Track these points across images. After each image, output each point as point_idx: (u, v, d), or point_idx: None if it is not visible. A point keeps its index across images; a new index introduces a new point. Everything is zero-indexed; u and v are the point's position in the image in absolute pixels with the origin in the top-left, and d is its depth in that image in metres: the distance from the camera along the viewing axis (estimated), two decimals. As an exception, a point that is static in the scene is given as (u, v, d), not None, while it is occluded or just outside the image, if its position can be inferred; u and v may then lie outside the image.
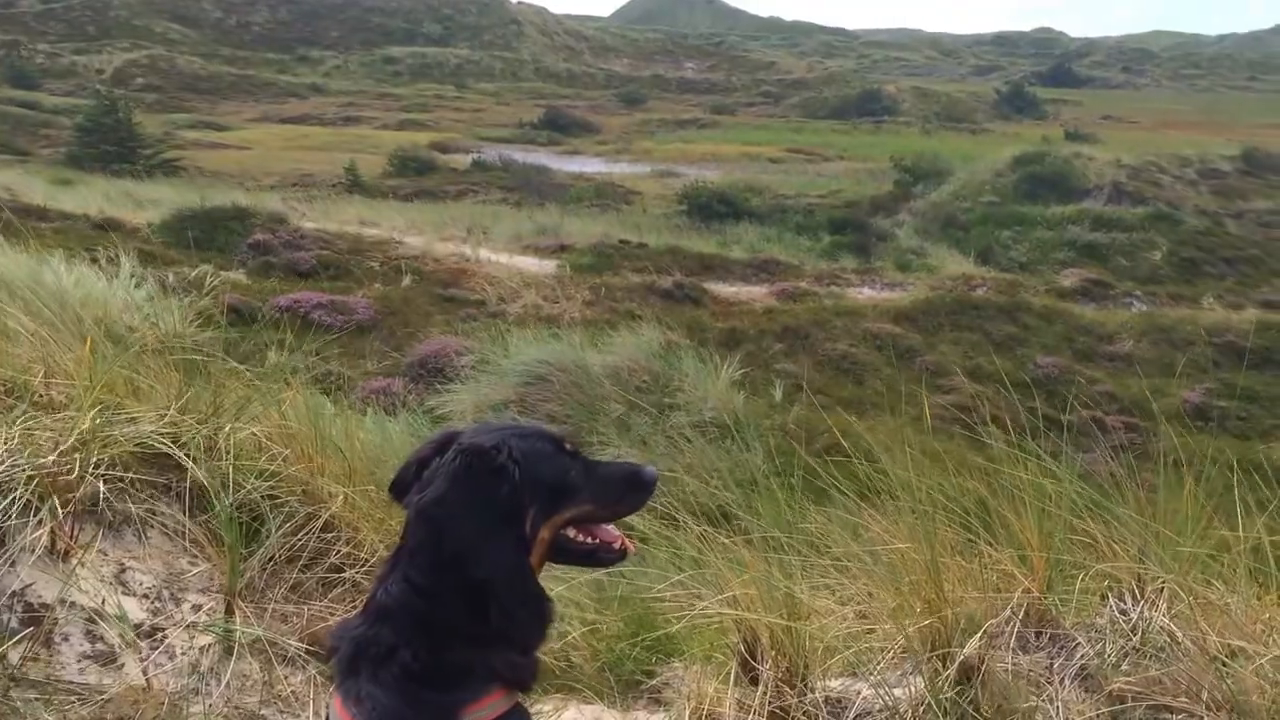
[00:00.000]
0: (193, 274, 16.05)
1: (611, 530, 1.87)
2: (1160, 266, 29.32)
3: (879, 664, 2.72)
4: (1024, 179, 37.12)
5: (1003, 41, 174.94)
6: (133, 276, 13.85)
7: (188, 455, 3.17)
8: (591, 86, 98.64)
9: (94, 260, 13.15)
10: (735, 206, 34.62)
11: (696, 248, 24.69)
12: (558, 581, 4.03)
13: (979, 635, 2.53)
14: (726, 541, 3.18)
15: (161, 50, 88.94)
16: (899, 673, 2.69)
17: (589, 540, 1.84)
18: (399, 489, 1.75)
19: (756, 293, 20.55)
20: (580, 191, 39.74)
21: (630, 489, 1.85)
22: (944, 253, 29.70)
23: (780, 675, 2.73)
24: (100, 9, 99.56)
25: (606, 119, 76.34)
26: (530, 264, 20.46)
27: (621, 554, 1.87)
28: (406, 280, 18.06)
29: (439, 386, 12.86)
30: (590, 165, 51.29)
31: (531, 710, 3.43)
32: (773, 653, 2.75)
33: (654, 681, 3.54)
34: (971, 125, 75.36)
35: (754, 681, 2.76)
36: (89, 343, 3.21)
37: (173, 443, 3.19)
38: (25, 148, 48.00)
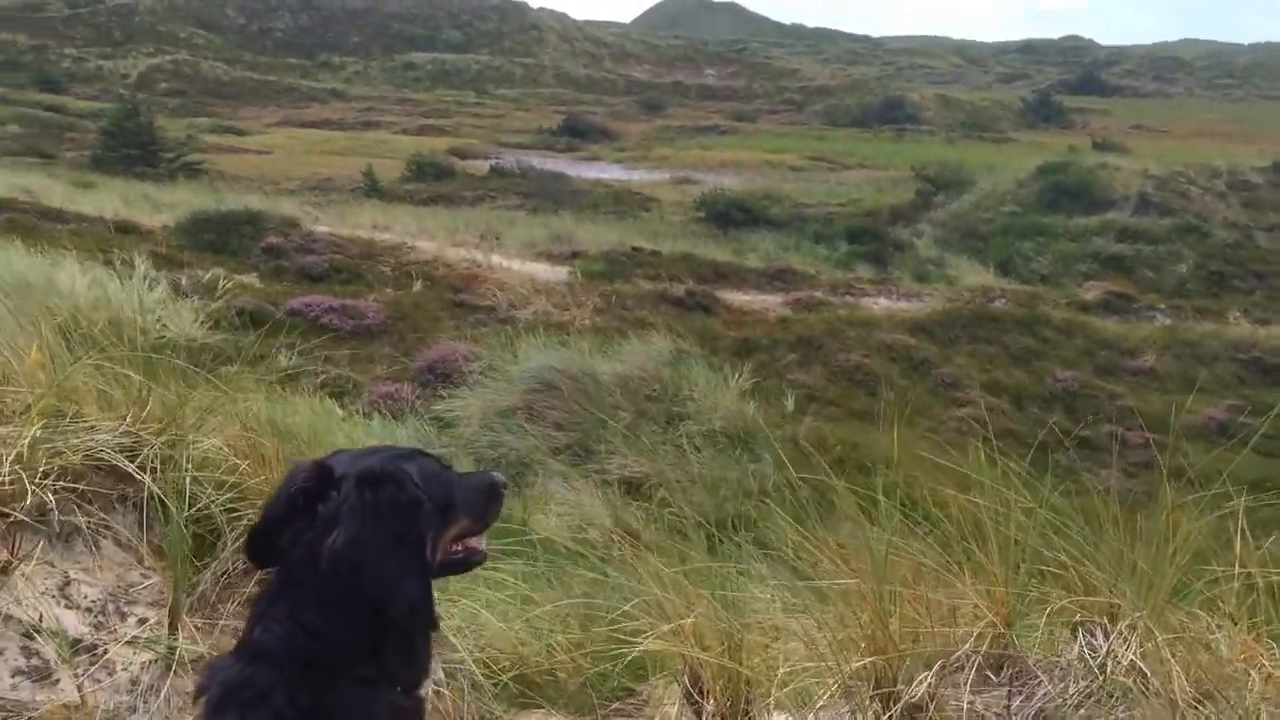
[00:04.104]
0: (206, 277, 16.11)
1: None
2: (1186, 280, 29.00)
3: (819, 703, 2.60)
4: (1047, 189, 36.68)
5: (1030, 49, 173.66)
6: (146, 279, 13.91)
7: (143, 466, 3.09)
8: (612, 93, 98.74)
9: (108, 262, 13.20)
10: (753, 214, 34.52)
11: (711, 255, 24.60)
12: (546, 596, 3.96)
13: (929, 673, 2.41)
14: (669, 573, 3.07)
15: (185, 55, 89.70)
16: (844, 709, 2.57)
17: (460, 549, 1.84)
18: (263, 541, 1.64)
19: (770, 302, 20.42)
20: (597, 198, 39.75)
21: (491, 499, 1.89)
22: (963, 264, 29.46)
23: (722, 709, 2.63)
24: (126, 14, 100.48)
25: (626, 125, 76.43)
26: (542, 270, 20.41)
27: (483, 554, 1.90)
28: (417, 285, 18.03)
29: (447, 392, 12.83)
30: (609, 172, 51.34)
31: (513, 726, 3.36)
32: (716, 686, 2.65)
33: (634, 700, 3.47)
34: (996, 134, 74.89)
35: (698, 714, 2.67)
36: (34, 350, 3.14)
37: (131, 452, 3.12)
38: (50, 150, 48.47)
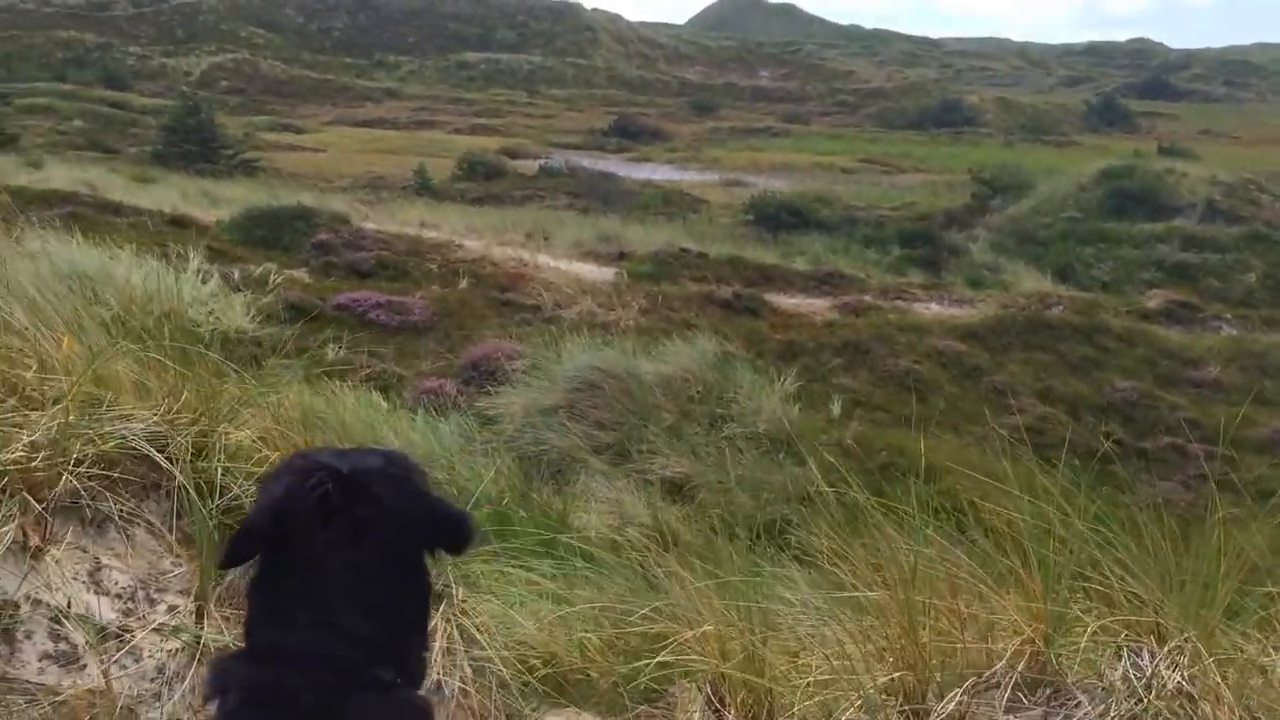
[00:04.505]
0: (257, 271, 16.34)
1: None
2: (1254, 289, 28.28)
3: (843, 717, 2.53)
4: (1110, 194, 35.97)
5: (1095, 52, 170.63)
6: (199, 272, 14.13)
7: (175, 455, 3.11)
8: (664, 94, 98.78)
9: (164, 256, 13.42)
10: (803, 217, 34.29)
11: (758, 258, 24.47)
12: (579, 596, 3.94)
13: (961, 690, 2.34)
14: (691, 581, 3.02)
15: (246, 54, 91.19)
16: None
17: None
18: (252, 540, 1.59)
19: (818, 305, 20.26)
20: (647, 199, 39.76)
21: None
22: (1020, 269, 28.99)
23: (745, 717, 2.58)
24: (189, 13, 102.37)
25: (677, 127, 76.40)
26: (589, 270, 20.43)
27: None
28: (464, 283, 18.14)
29: (490, 389, 12.88)
30: (659, 173, 51.35)
31: (541, 724, 3.34)
32: (738, 696, 2.61)
33: (663, 703, 3.43)
34: (1058, 138, 73.83)
35: (720, 720, 2.63)
36: (67, 339, 3.17)
37: (164, 441, 3.15)
38: (114, 146, 49.54)
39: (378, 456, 1.67)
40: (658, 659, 3.04)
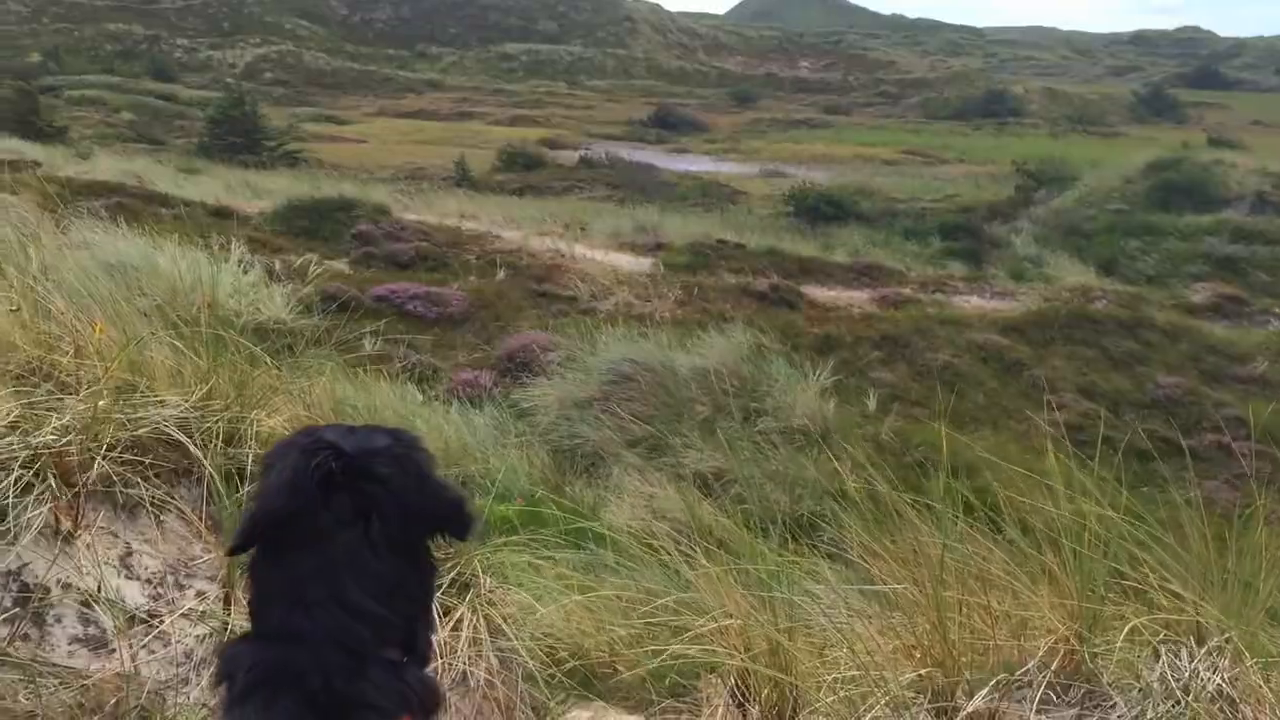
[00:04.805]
0: (298, 262, 16.47)
1: None
2: (1306, 284, 27.68)
3: (868, 714, 2.50)
4: (1157, 186, 35.26)
5: (1142, 41, 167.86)
6: (241, 263, 14.28)
7: (205, 442, 3.14)
8: (703, 85, 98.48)
9: (207, 247, 13.57)
10: (843, 209, 33.99)
11: (796, 250, 24.26)
12: (608, 588, 3.93)
13: (989, 687, 2.29)
14: (717, 574, 3.00)
15: (290, 46, 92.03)
16: (894, 722, 2.48)
17: None
18: (269, 523, 1.58)
19: (856, 298, 20.09)
20: (685, 190, 39.62)
21: None
22: (1064, 262, 28.54)
23: (768, 714, 2.56)
24: (235, 5, 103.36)
25: (717, 118, 76.15)
26: (626, 261, 20.39)
27: None
28: (501, 274, 18.18)
29: (525, 381, 12.91)
30: (698, 164, 51.16)
31: (566, 717, 3.34)
32: (762, 691, 2.58)
33: (689, 697, 3.42)
34: (1104, 128, 72.68)
35: (745, 715, 2.61)
36: (98, 325, 3.20)
37: (196, 428, 3.18)
38: (160, 137, 50.18)
39: (385, 435, 1.66)
40: (684, 653, 3.03)
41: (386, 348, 13.37)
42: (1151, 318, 19.70)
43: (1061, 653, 2.49)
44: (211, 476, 3.11)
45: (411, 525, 1.59)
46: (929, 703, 2.43)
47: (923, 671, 2.46)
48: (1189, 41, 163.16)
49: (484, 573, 3.35)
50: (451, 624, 3.07)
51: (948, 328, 17.84)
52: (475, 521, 1.67)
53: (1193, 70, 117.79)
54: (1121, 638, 2.51)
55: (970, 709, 2.33)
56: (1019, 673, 2.45)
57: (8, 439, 2.66)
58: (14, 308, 3.19)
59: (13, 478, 2.64)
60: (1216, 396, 16.64)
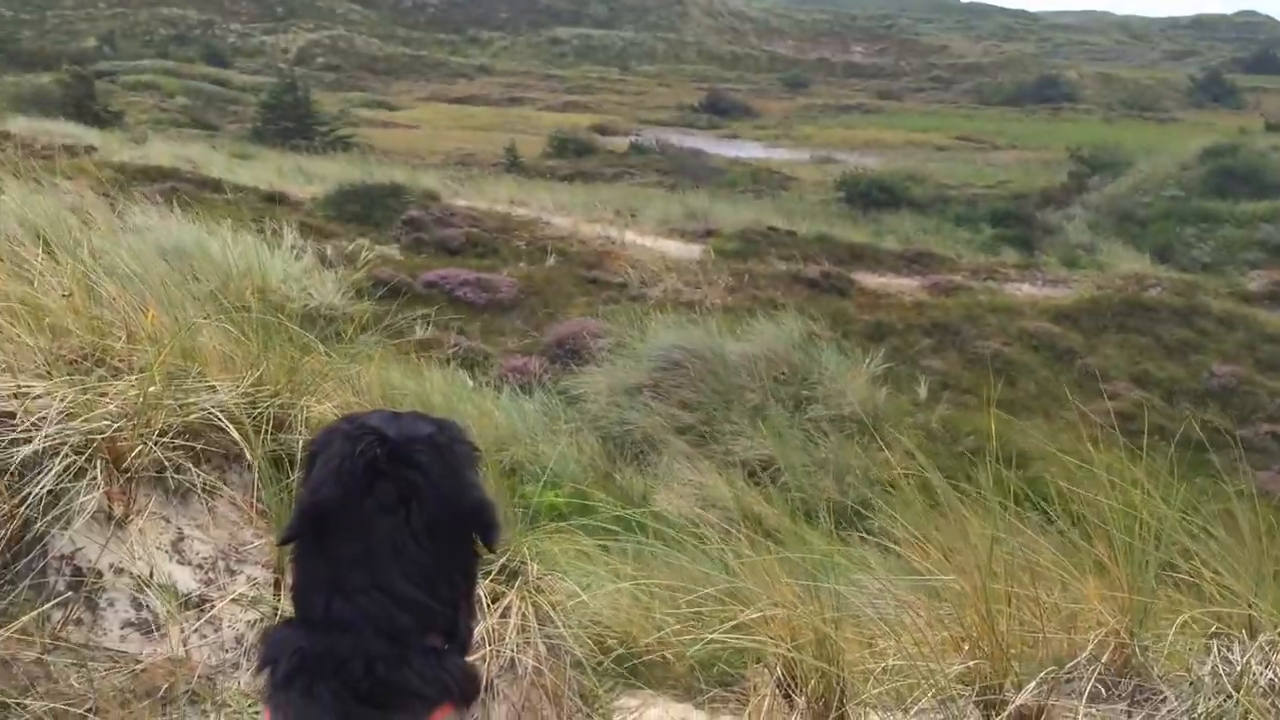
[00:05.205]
0: (349, 248, 16.63)
1: None
2: (1367, 272, 27.03)
3: (915, 706, 2.47)
4: (1214, 172, 34.73)
5: (1200, 25, 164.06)
6: (293, 248, 14.44)
7: (257, 427, 3.16)
8: (755, 69, 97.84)
9: (259, 232, 13.73)
10: (894, 195, 33.79)
11: (847, 237, 24.11)
12: (656, 576, 3.92)
13: (1038, 680, 2.26)
14: (763, 564, 2.97)
15: (342, 31, 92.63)
16: (942, 715, 2.44)
17: None
18: (328, 509, 1.56)
19: (907, 285, 19.91)
20: (735, 176, 39.49)
21: None
22: (1117, 249, 28.16)
23: (814, 704, 2.53)
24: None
25: (768, 103, 75.63)
26: (675, 248, 20.35)
27: None
28: (551, 260, 18.22)
29: (575, 367, 12.93)
30: (748, 150, 50.96)
31: (614, 705, 3.33)
32: (809, 681, 2.56)
33: (738, 686, 3.40)
34: (1160, 114, 71.45)
35: (791, 706, 2.58)
36: (150, 311, 3.23)
37: (246, 413, 3.19)
38: (214, 123, 50.80)
39: (429, 424, 1.66)
40: (732, 642, 3.01)
41: (436, 333, 13.48)
42: (1206, 305, 19.35)
43: (1111, 646, 2.45)
44: (261, 462, 3.12)
45: (447, 515, 1.59)
46: (976, 695, 2.39)
47: (971, 664, 2.43)
48: (1247, 26, 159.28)
49: (532, 559, 3.35)
50: (500, 611, 3.07)
51: (999, 315, 17.67)
52: (499, 530, 1.65)
53: (1251, 55, 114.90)
54: (1173, 631, 2.48)
55: (1019, 702, 2.29)
56: (1069, 665, 2.41)
57: (61, 424, 2.68)
58: (67, 293, 3.22)
59: (66, 463, 2.67)
60: (1272, 386, 16.37)
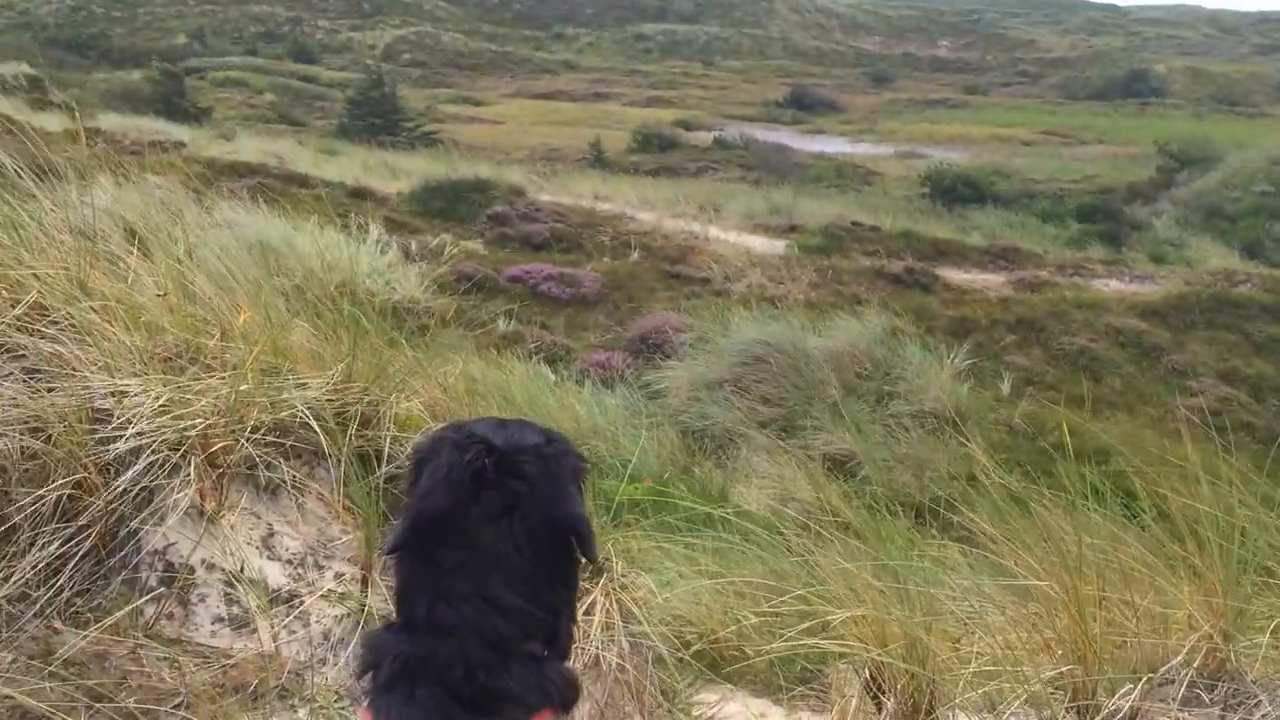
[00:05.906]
0: (433, 243, 16.81)
1: None
2: None
3: (1007, 710, 2.40)
4: (1304, 167, 33.72)
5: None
6: (378, 243, 14.65)
7: (345, 424, 3.18)
8: (840, 65, 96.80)
9: (345, 226, 13.96)
10: (979, 190, 33.27)
11: (932, 232, 23.73)
12: (738, 572, 3.88)
13: (1134, 686, 2.18)
14: (849, 562, 2.91)
15: (429, 27, 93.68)
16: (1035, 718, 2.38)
17: None
18: (436, 518, 1.58)
19: (992, 281, 19.55)
20: (819, 172, 39.14)
21: None
22: (1206, 245, 27.39)
23: (903, 707, 2.48)
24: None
25: (853, 98, 74.78)
26: (759, 243, 20.22)
27: None
28: (634, 255, 18.21)
29: (657, 362, 12.93)
30: (832, 145, 50.44)
31: (694, 700, 3.30)
32: (897, 683, 2.50)
33: (819, 684, 3.35)
34: (1249, 109, 69.29)
35: (879, 708, 2.53)
36: (243, 310, 3.27)
37: (335, 410, 3.22)
38: (301, 119, 51.75)
39: (536, 433, 1.66)
40: (814, 641, 2.97)
41: (519, 328, 13.57)
42: (1298, 302, 18.71)
43: (1204, 650, 2.39)
44: (349, 459, 3.14)
45: (545, 526, 1.59)
46: (1070, 700, 2.33)
47: (1063, 668, 2.37)
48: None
49: (617, 557, 3.34)
50: (584, 608, 3.07)
51: (1085, 311, 17.33)
52: (593, 543, 1.64)
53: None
54: (1268, 636, 2.43)
55: (1112, 707, 2.22)
56: (1162, 670, 2.34)
57: (155, 421, 2.72)
58: (162, 292, 3.27)
59: (160, 459, 2.71)
60: (1366, 384, 15.77)
